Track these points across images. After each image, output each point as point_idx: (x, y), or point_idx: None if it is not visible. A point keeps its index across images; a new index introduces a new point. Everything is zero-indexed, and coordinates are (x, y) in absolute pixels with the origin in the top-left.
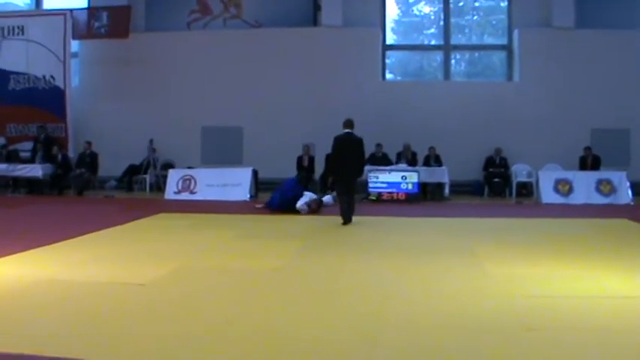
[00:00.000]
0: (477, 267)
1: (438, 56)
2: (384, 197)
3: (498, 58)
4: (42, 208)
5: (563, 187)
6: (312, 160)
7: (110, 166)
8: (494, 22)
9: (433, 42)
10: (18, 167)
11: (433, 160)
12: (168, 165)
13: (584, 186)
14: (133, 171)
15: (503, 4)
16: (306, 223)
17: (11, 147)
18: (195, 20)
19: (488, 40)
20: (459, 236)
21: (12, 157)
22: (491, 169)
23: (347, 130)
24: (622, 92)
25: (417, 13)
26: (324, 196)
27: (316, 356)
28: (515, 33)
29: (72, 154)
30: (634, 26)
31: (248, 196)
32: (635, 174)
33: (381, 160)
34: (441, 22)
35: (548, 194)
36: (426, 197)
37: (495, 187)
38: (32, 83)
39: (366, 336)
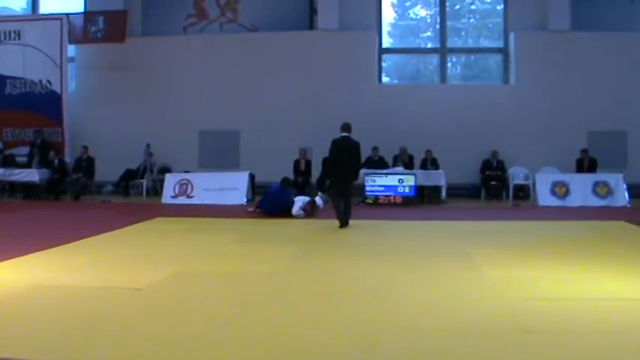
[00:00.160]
0: (474, 270)
1: (435, 59)
2: (381, 200)
3: (494, 61)
4: (39, 213)
5: (560, 189)
6: (308, 163)
7: (107, 171)
8: (490, 25)
9: (429, 45)
10: (15, 172)
11: (430, 163)
12: (165, 169)
13: (581, 188)
14: (130, 175)
15: (499, 7)
16: (303, 226)
17: (8, 152)
18: (191, 24)
19: (485, 43)
20: (456, 239)
21: (8, 162)
22: (488, 172)
23: (344, 134)
24: (618, 95)
25: (413, 16)
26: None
27: (314, 359)
28: (511, 36)
29: (68, 158)
30: (630, 28)
31: (245, 200)
32: (631, 176)
33: (378, 163)
34: (437, 26)
35: (545, 197)
36: (422, 200)
37: (492, 190)
38: (29, 88)
39: (363, 339)
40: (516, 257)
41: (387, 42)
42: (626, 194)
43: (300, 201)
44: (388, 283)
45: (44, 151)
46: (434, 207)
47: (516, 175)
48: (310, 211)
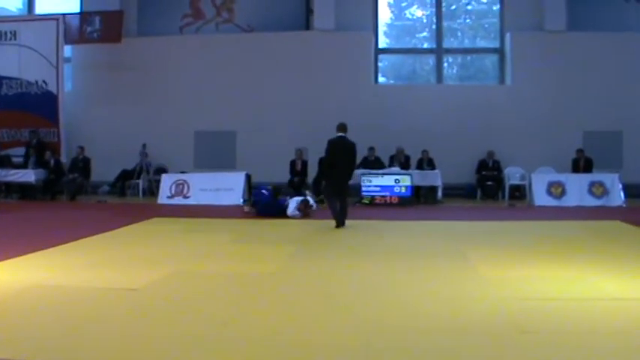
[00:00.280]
0: (470, 270)
1: (431, 60)
2: (377, 201)
3: (491, 61)
4: (34, 214)
5: (556, 189)
6: (305, 164)
7: (103, 171)
8: (486, 26)
9: (425, 45)
10: (10, 172)
11: (426, 163)
12: (161, 170)
13: (577, 188)
14: (126, 176)
15: (496, 8)
16: (299, 227)
17: (3, 152)
18: (187, 25)
19: (481, 43)
20: (452, 239)
21: (4, 163)
22: (484, 172)
23: (340, 134)
24: (614, 95)
25: (410, 16)
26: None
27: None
28: (508, 36)
29: (64, 159)
30: (626, 29)
31: (241, 200)
32: (627, 176)
33: (374, 163)
34: (434, 26)
35: (540, 197)
36: (419, 200)
37: (488, 190)
38: (25, 88)
39: (359, 339)
40: (512, 257)
41: (383, 42)
42: (622, 194)
43: (294, 201)
44: (385, 283)
45: (40, 152)
46: (430, 207)
47: (512, 175)
48: (305, 210)
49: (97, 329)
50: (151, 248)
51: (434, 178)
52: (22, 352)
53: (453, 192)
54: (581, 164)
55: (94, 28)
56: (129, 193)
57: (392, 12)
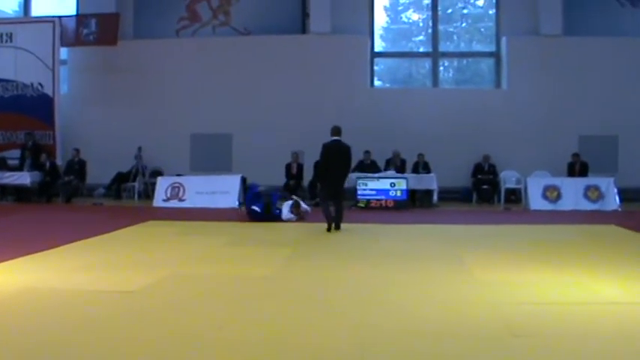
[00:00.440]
0: (466, 273)
1: (427, 63)
2: (373, 204)
3: (486, 65)
4: (30, 216)
5: (552, 193)
6: (300, 167)
7: (98, 174)
8: (482, 30)
9: (421, 49)
10: (6, 175)
11: (422, 167)
12: (157, 172)
13: (573, 192)
14: (122, 178)
15: (492, 12)
16: (295, 230)
17: None
18: (183, 27)
19: (477, 47)
20: (448, 243)
21: (0, 165)
22: (479, 176)
23: (334, 138)
24: (610, 99)
25: (406, 20)
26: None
27: None
28: (504, 40)
29: (60, 161)
30: (621, 33)
31: (237, 203)
32: (622, 180)
33: (370, 167)
34: (430, 30)
35: (536, 201)
36: (414, 204)
37: (484, 193)
38: (20, 90)
39: (354, 342)
40: (508, 261)
41: (379, 46)
42: (617, 198)
43: (286, 205)
44: (380, 287)
45: (36, 154)
46: (425, 211)
47: (508, 178)
48: (297, 212)
49: (92, 332)
50: (146, 251)
51: (429, 182)
52: (17, 355)
53: (449, 196)
54: (577, 168)
55: (90, 31)
56: (124, 196)
57: (388, 15)
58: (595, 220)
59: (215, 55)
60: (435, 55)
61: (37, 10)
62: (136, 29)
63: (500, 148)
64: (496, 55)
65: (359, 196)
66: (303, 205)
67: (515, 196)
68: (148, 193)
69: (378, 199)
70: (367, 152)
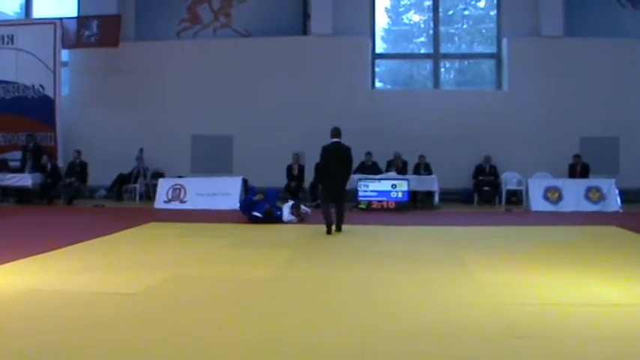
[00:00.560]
0: (467, 275)
1: (428, 65)
2: (374, 206)
3: (488, 66)
4: (31, 218)
5: (553, 194)
6: (302, 169)
7: (100, 176)
8: (483, 31)
9: (423, 50)
10: (7, 176)
11: (423, 168)
12: (158, 174)
13: (574, 194)
14: (123, 180)
15: (493, 13)
16: (296, 232)
17: (0, 156)
18: (185, 29)
19: (478, 48)
20: (449, 244)
21: (1, 167)
22: (480, 177)
23: (334, 140)
24: (611, 100)
25: (407, 21)
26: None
27: None
28: (505, 41)
29: (61, 163)
30: (622, 34)
31: (238, 205)
32: (623, 181)
33: (371, 168)
34: (431, 31)
35: (537, 202)
36: (415, 206)
37: (485, 195)
38: (21, 92)
39: (356, 343)
40: (509, 262)
41: (380, 47)
42: (618, 199)
43: (287, 207)
44: (381, 288)
45: (37, 156)
46: (427, 212)
47: (509, 180)
48: (297, 213)
49: (94, 334)
50: (147, 253)
51: (431, 183)
52: (18, 357)
53: (450, 197)
54: (578, 169)
55: (92, 33)
56: (126, 198)
57: (389, 17)
58: (596, 222)
59: (216, 57)
60: (436, 57)
61: (38, 12)
62: (138, 31)
63: (501, 150)
64: (497, 57)
65: (360, 198)
66: (304, 208)
67: (516, 198)
68: (149, 194)
69: (379, 201)
70: (368, 154)
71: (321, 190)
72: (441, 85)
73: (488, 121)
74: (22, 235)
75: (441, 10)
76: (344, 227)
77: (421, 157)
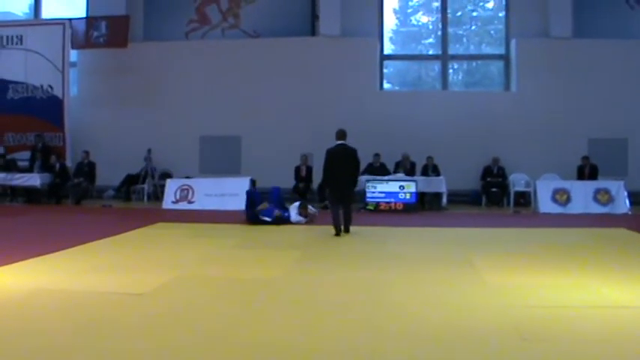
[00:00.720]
0: (475, 277)
1: (436, 66)
2: (382, 207)
3: (496, 67)
4: (40, 218)
5: (561, 196)
6: (310, 170)
7: (108, 176)
8: (491, 32)
9: (431, 52)
10: (16, 176)
11: (431, 169)
12: (166, 174)
13: (582, 195)
14: (131, 180)
15: (501, 14)
16: (304, 232)
17: (9, 156)
18: (193, 30)
19: (486, 49)
20: (457, 246)
21: (10, 166)
22: (488, 179)
23: (339, 142)
24: (620, 102)
25: (415, 22)
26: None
27: None
28: (513, 43)
29: (70, 163)
30: (631, 36)
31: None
32: (632, 183)
33: (379, 169)
34: (439, 32)
35: (545, 204)
36: (423, 207)
37: (493, 196)
38: (30, 92)
39: (363, 345)
40: (517, 264)
41: (388, 48)
42: (627, 201)
43: (294, 208)
44: (389, 290)
45: (46, 156)
46: (435, 213)
47: (517, 181)
48: (305, 214)
49: (103, 334)
50: (155, 253)
51: (439, 185)
52: (27, 356)
53: (458, 198)
54: (587, 171)
55: (100, 33)
56: (134, 198)
57: (397, 18)
58: (605, 224)
59: (224, 58)
60: (444, 58)
61: (47, 13)
62: (146, 32)
63: (509, 151)
64: (505, 58)
65: (368, 199)
66: (311, 208)
67: (524, 199)
68: (157, 195)
69: (387, 202)
70: (376, 155)
71: (329, 192)
72: (449, 87)
73: (497, 123)
74: (31, 234)
75: (449, 11)
76: (352, 229)
77: (429, 158)
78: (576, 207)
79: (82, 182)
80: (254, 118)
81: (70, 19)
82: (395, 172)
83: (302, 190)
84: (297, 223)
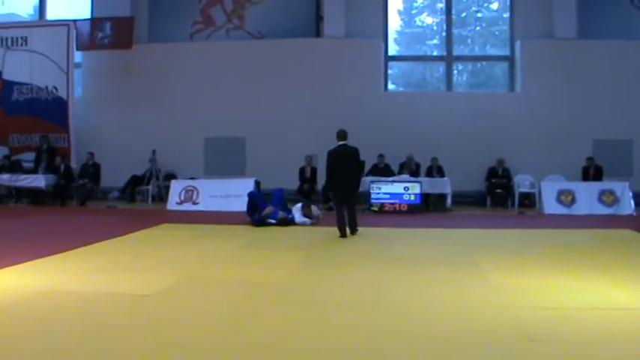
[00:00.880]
0: (480, 278)
1: (441, 67)
2: (387, 208)
3: (501, 69)
4: (45, 219)
5: (566, 197)
6: (314, 171)
7: (113, 177)
8: (496, 33)
9: (435, 53)
10: (21, 177)
11: (435, 170)
12: (171, 176)
13: (587, 197)
14: (136, 182)
15: (506, 15)
16: (309, 234)
17: (14, 157)
18: (198, 31)
19: (491, 51)
20: (462, 247)
21: (15, 168)
22: (493, 180)
23: (341, 143)
24: (624, 103)
25: (420, 24)
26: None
27: None
28: (518, 44)
29: (74, 164)
30: (636, 37)
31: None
32: (637, 184)
33: (384, 171)
34: (444, 33)
35: (550, 205)
36: (428, 208)
37: (498, 197)
38: (35, 94)
39: (369, 348)
40: (522, 265)
41: (393, 49)
42: (632, 202)
43: (297, 209)
44: (395, 291)
45: (50, 157)
46: (439, 215)
47: (522, 182)
48: (309, 214)
49: (108, 335)
50: (160, 254)
51: (443, 186)
52: (34, 358)
53: (463, 200)
54: (591, 172)
55: (105, 34)
56: (138, 199)
57: (402, 19)
58: (610, 225)
59: (229, 59)
60: (449, 59)
61: (52, 14)
62: (151, 33)
63: (514, 152)
64: (510, 59)
65: (373, 200)
66: (315, 210)
67: (529, 201)
68: (161, 196)
69: (391, 203)
70: (381, 156)
71: (333, 193)
72: (453, 88)
73: (501, 124)
74: (36, 236)
75: (453, 12)
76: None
77: (434, 159)
78: (581, 208)
79: (87, 183)
80: (259, 120)
81: (74, 21)
82: (399, 173)
83: (306, 192)
84: (302, 224)
